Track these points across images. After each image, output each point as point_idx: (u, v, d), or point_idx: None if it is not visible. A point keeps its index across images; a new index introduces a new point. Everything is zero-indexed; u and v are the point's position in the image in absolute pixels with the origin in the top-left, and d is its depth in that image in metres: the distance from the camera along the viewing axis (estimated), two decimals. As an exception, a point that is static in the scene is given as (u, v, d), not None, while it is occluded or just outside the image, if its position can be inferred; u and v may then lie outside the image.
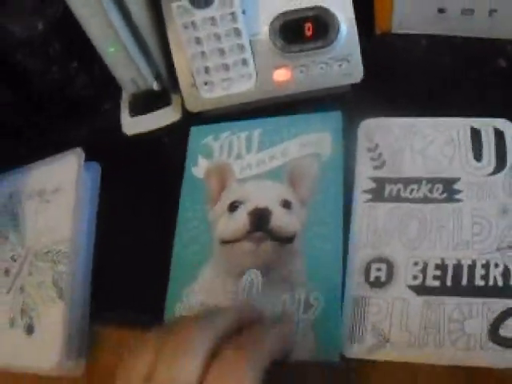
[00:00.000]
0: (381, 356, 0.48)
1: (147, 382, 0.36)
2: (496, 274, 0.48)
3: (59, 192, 0.57)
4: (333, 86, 0.55)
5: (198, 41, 0.54)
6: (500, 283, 0.48)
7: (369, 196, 0.52)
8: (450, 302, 0.48)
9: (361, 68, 0.55)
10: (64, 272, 0.54)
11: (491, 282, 0.48)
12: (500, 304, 0.47)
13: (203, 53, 0.54)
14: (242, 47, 0.54)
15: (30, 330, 0.53)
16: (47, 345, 0.52)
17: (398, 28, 0.58)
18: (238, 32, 0.53)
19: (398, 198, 0.52)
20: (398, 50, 0.58)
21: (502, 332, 0.46)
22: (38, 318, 0.54)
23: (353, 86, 0.55)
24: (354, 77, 0.55)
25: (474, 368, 0.47)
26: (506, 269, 0.48)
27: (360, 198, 0.52)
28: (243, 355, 0.36)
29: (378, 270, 0.50)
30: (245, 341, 0.37)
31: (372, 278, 0.50)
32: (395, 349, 0.48)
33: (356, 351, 0.48)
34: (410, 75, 0.56)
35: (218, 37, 0.53)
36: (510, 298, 0.47)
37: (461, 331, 0.47)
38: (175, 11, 0.52)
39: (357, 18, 0.54)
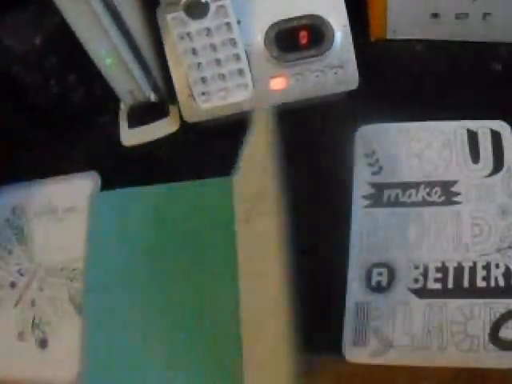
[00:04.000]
0: (384, 360, 0.48)
1: None
2: (497, 274, 0.48)
3: (73, 212, 0.58)
4: (329, 94, 0.56)
5: (194, 51, 0.54)
6: (501, 283, 0.48)
7: (368, 201, 0.53)
8: (452, 304, 0.48)
9: (356, 75, 0.55)
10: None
11: (492, 283, 0.48)
12: (502, 304, 0.47)
13: (199, 63, 0.55)
14: (237, 57, 0.55)
15: (43, 344, 0.54)
16: (63, 359, 0.52)
17: (392, 34, 0.58)
18: (233, 42, 0.54)
19: (396, 203, 0.52)
20: (393, 56, 0.58)
21: (503, 334, 0.47)
22: (52, 333, 0.54)
23: (349, 92, 0.56)
24: (349, 84, 0.55)
25: (477, 369, 0.48)
26: (507, 269, 0.48)
27: (359, 204, 0.53)
28: None
29: (379, 274, 0.50)
30: None
31: (373, 283, 0.50)
32: (399, 353, 0.48)
33: (359, 355, 0.48)
34: (406, 80, 0.57)
35: (213, 47, 0.54)
36: (511, 298, 0.48)
37: (463, 333, 0.48)
38: (171, 22, 0.52)
39: (351, 25, 0.55)
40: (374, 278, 0.50)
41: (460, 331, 0.48)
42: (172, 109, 0.60)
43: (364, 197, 0.53)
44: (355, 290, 0.50)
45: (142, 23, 0.56)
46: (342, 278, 0.51)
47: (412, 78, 0.57)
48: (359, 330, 0.49)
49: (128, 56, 0.56)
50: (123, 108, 0.61)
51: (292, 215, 0.55)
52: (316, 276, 0.52)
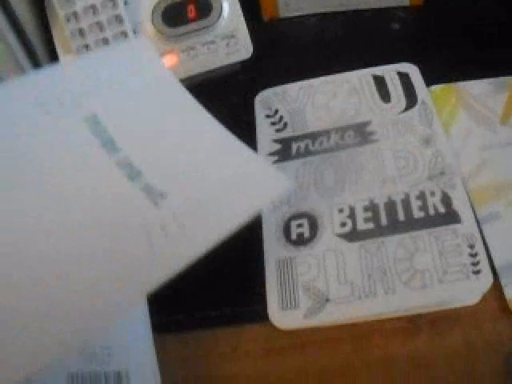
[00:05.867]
0: (322, 318, 0.35)
1: None
2: (435, 201, 0.39)
3: None
4: (223, 66, 0.49)
5: (82, 32, 0.47)
6: (442, 210, 0.38)
7: (275, 157, 0.43)
8: (391, 240, 0.37)
9: (249, 43, 0.49)
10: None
11: (432, 212, 0.38)
12: (448, 231, 0.37)
13: (87, 46, 0.47)
14: (125, 35, 0.47)
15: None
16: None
17: (285, 12, 0.52)
18: (119, 19, 0.47)
19: (307, 153, 0.43)
20: (289, 31, 0.52)
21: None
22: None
23: (244, 61, 0.49)
24: (242, 53, 0.48)
25: (437, 312, 0.36)
26: (444, 195, 0.39)
27: (266, 161, 0.44)
28: None
29: (299, 226, 0.39)
30: None
31: (294, 236, 0.39)
32: (338, 306, 0.36)
33: (290, 320, 0.36)
34: (303, 48, 0.50)
35: (100, 26, 0.47)
36: (457, 222, 0.38)
37: (412, 269, 0.37)
38: (57, 3, 0.46)
39: (243, 8, 0.49)
40: (294, 231, 0.39)
41: (407, 268, 0.37)
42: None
43: (270, 154, 0.43)
44: (274, 248, 0.39)
45: (29, 8, 0.49)
46: (257, 239, 0.40)
47: (310, 45, 0.50)
48: (285, 291, 0.37)
49: (15, 43, 0.47)
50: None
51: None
52: (230, 243, 0.41)
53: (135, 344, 0.38)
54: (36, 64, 0.50)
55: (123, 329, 0.38)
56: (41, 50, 0.50)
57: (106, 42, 0.48)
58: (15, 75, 0.49)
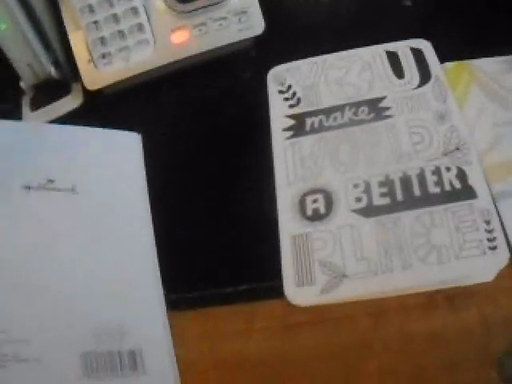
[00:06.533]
0: (339, 294, 0.35)
1: None
2: (450, 177, 0.38)
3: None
4: (235, 41, 0.47)
5: (91, 8, 0.45)
6: (458, 186, 0.37)
7: (289, 133, 0.42)
8: (407, 216, 0.36)
9: (260, 19, 0.46)
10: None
11: (447, 187, 0.37)
12: (464, 206, 0.36)
13: (97, 22, 0.45)
14: (135, 11, 0.46)
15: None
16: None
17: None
18: (130, -5, 0.46)
19: (321, 128, 0.41)
20: (301, 6, 0.50)
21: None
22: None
23: (256, 37, 0.47)
24: (255, 29, 0.46)
25: (453, 288, 0.35)
26: (460, 170, 0.38)
27: (280, 137, 0.42)
28: None
29: (315, 201, 0.38)
30: None
31: (309, 212, 0.38)
32: (355, 282, 0.35)
33: (307, 297, 0.35)
34: (315, 24, 0.48)
35: (110, 1, 0.45)
36: (473, 198, 0.37)
37: (428, 244, 0.36)
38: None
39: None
40: (309, 207, 0.38)
41: (423, 243, 0.36)
42: (75, 85, 0.49)
43: (284, 129, 0.42)
44: (289, 224, 0.38)
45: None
46: (273, 215, 0.38)
47: (322, 21, 0.48)
48: (301, 267, 0.36)
49: (25, 23, 0.45)
50: (27, 92, 0.49)
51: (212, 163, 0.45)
52: (244, 220, 0.40)
53: (149, 323, 0.37)
54: (45, 43, 0.48)
55: (137, 307, 0.37)
56: (50, 27, 0.47)
57: (116, 18, 0.46)
58: (24, 52, 0.48)
